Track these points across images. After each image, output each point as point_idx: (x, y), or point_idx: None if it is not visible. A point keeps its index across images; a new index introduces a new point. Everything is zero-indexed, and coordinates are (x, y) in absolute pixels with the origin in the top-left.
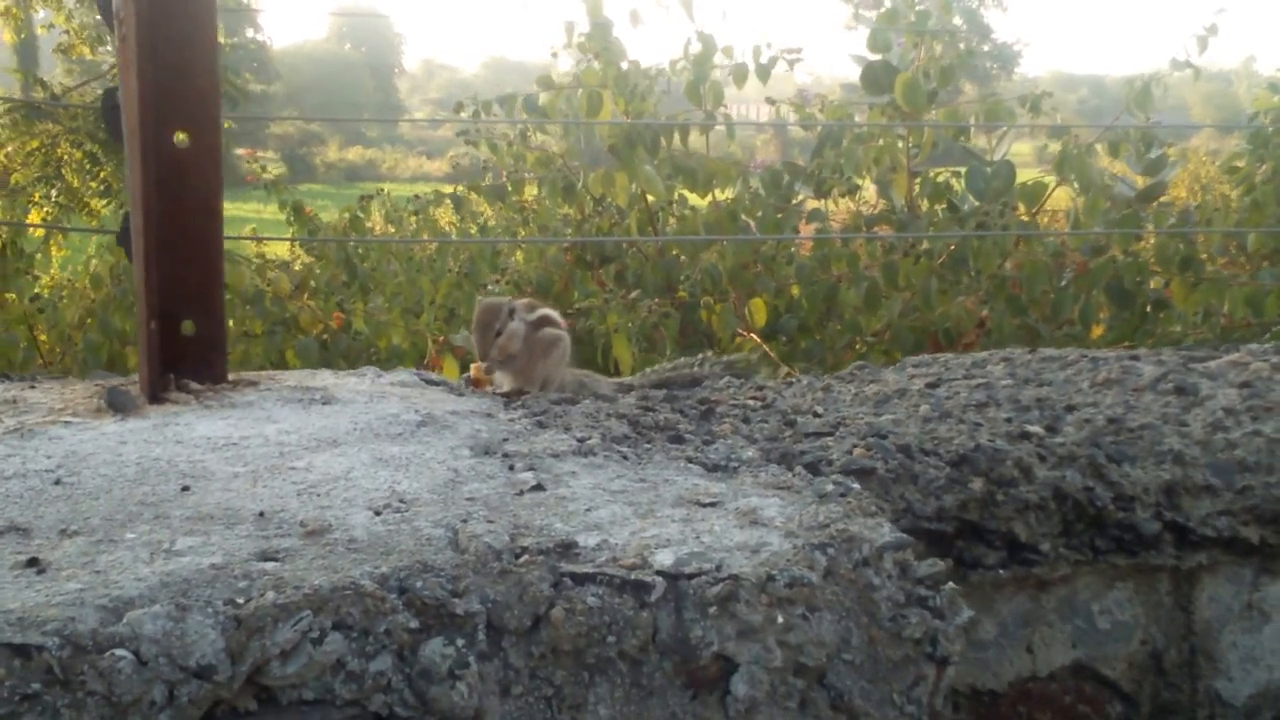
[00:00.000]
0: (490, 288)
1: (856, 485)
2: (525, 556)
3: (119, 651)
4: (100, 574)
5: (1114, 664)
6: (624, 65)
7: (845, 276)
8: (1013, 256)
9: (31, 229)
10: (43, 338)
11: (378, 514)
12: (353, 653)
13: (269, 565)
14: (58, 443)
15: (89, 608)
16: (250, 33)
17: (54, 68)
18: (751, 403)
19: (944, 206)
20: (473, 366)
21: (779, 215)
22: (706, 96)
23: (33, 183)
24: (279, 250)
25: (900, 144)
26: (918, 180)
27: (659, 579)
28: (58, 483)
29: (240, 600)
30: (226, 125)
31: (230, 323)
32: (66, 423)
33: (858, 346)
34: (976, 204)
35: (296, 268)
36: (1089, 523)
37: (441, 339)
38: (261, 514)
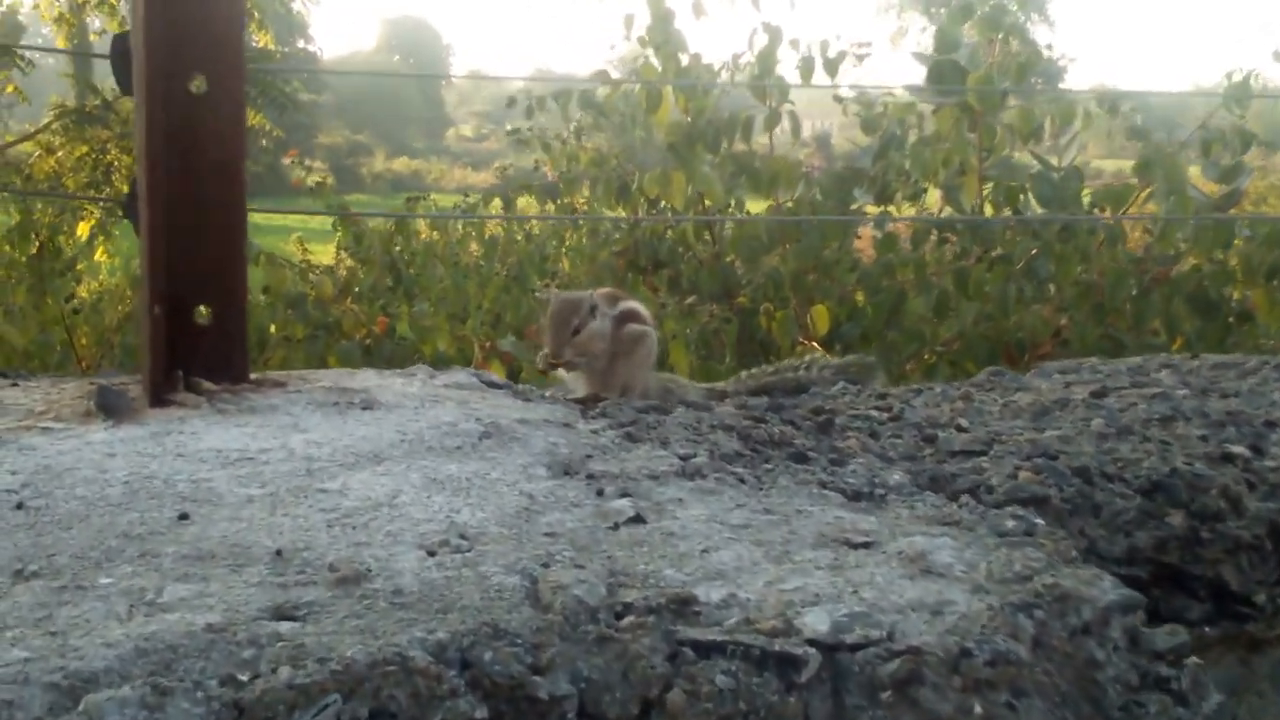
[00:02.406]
0: (538, 295)
1: (1041, 520)
2: (630, 617)
3: None
4: (58, 636)
5: None
6: (684, 60)
7: (912, 283)
8: (1094, 263)
9: (64, 224)
10: (83, 341)
11: (431, 554)
12: None
13: (285, 626)
14: (28, 455)
15: (34, 686)
16: (301, 43)
17: (107, 75)
18: (876, 413)
19: (1011, 212)
20: (542, 363)
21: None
22: (771, 92)
23: (83, 187)
24: (322, 255)
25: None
26: (987, 185)
27: (811, 651)
28: (19, 507)
29: (243, 677)
30: (276, 132)
31: (272, 327)
32: (45, 429)
33: (926, 357)
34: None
35: (340, 272)
36: None
37: (489, 344)
38: (279, 552)
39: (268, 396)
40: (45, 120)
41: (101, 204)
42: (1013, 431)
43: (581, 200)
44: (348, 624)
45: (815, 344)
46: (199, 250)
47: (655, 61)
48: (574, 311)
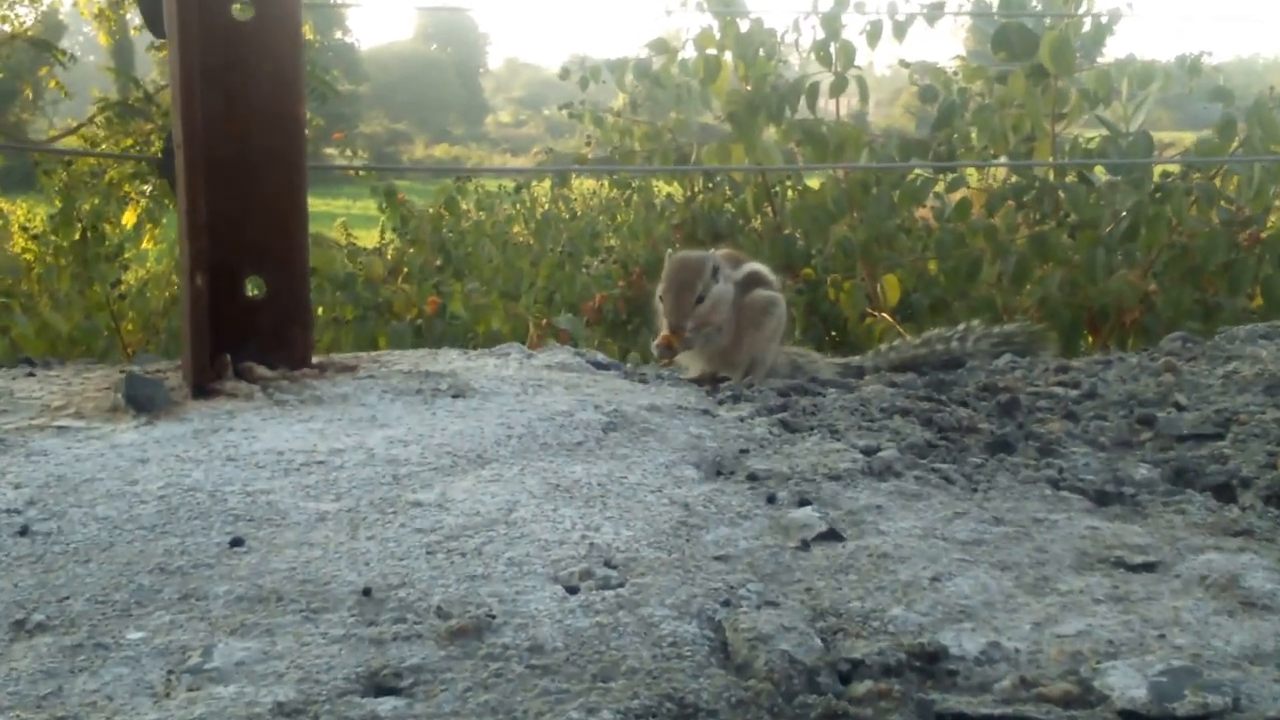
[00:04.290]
0: (587, 270)
1: None
2: (865, 682)
3: None
4: None
5: None
6: (744, 26)
7: (985, 251)
8: (1185, 225)
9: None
10: (129, 327)
11: (572, 591)
12: None
13: (386, 706)
14: (37, 463)
15: None
16: (339, 34)
17: (149, 69)
18: (1061, 390)
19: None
20: (661, 334)
21: (917, 184)
22: (837, 57)
23: (128, 179)
24: (367, 241)
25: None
26: (1063, 150)
27: None
28: (24, 532)
29: None
30: (316, 121)
31: (319, 309)
32: (61, 428)
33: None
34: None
35: (389, 254)
36: None
37: (545, 322)
38: (367, 591)
39: (336, 384)
40: (90, 114)
41: (147, 166)
42: (1248, 409)
43: (636, 176)
44: (472, 700)
45: (885, 315)
46: (249, 210)
47: (714, 28)
48: (697, 274)
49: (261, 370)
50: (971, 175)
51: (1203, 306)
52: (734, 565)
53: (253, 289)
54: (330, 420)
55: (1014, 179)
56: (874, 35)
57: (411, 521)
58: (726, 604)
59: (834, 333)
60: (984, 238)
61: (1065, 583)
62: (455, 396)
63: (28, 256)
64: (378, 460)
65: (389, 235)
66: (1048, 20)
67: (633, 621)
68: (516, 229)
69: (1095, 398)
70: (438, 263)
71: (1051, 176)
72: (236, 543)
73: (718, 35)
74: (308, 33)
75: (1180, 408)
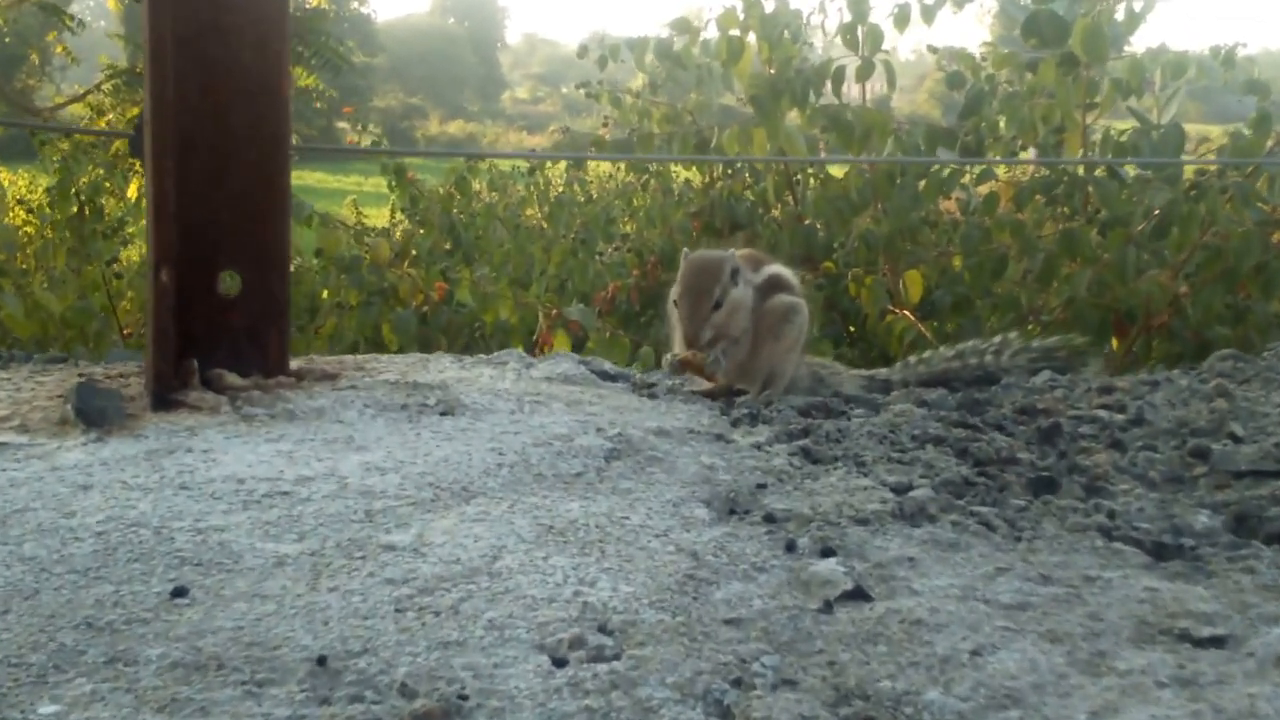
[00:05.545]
0: (600, 258)
1: None
2: None
3: None
4: None
5: None
6: (769, 6)
7: (1012, 247)
8: (1219, 224)
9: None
10: (127, 307)
11: (560, 664)
12: None
13: None
14: None
15: None
16: (355, 4)
17: None
18: (1105, 413)
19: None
20: (680, 350)
21: (944, 174)
22: (865, 40)
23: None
24: (377, 220)
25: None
26: (1093, 142)
27: None
28: None
29: None
30: (329, 93)
31: (324, 293)
32: (0, 445)
33: (1029, 327)
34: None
35: (397, 235)
36: None
37: (555, 311)
38: (322, 660)
39: (312, 396)
40: (97, 81)
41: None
42: None
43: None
44: None
45: (906, 312)
46: (223, 195)
47: (738, 8)
48: (715, 278)
49: (232, 378)
50: (1000, 167)
51: (1233, 310)
52: (747, 631)
53: (228, 285)
54: (301, 440)
55: (1043, 172)
56: (902, 19)
57: (382, 570)
58: (737, 683)
59: (853, 328)
60: (1010, 233)
61: (1124, 659)
62: (443, 414)
63: (29, 230)
64: (350, 491)
65: (399, 215)
66: (1080, 7)
67: (628, 706)
68: (530, 211)
69: (1143, 424)
70: (446, 246)
71: (1082, 171)
72: (179, 593)
73: (741, 15)
74: (324, 2)
75: (1236, 439)
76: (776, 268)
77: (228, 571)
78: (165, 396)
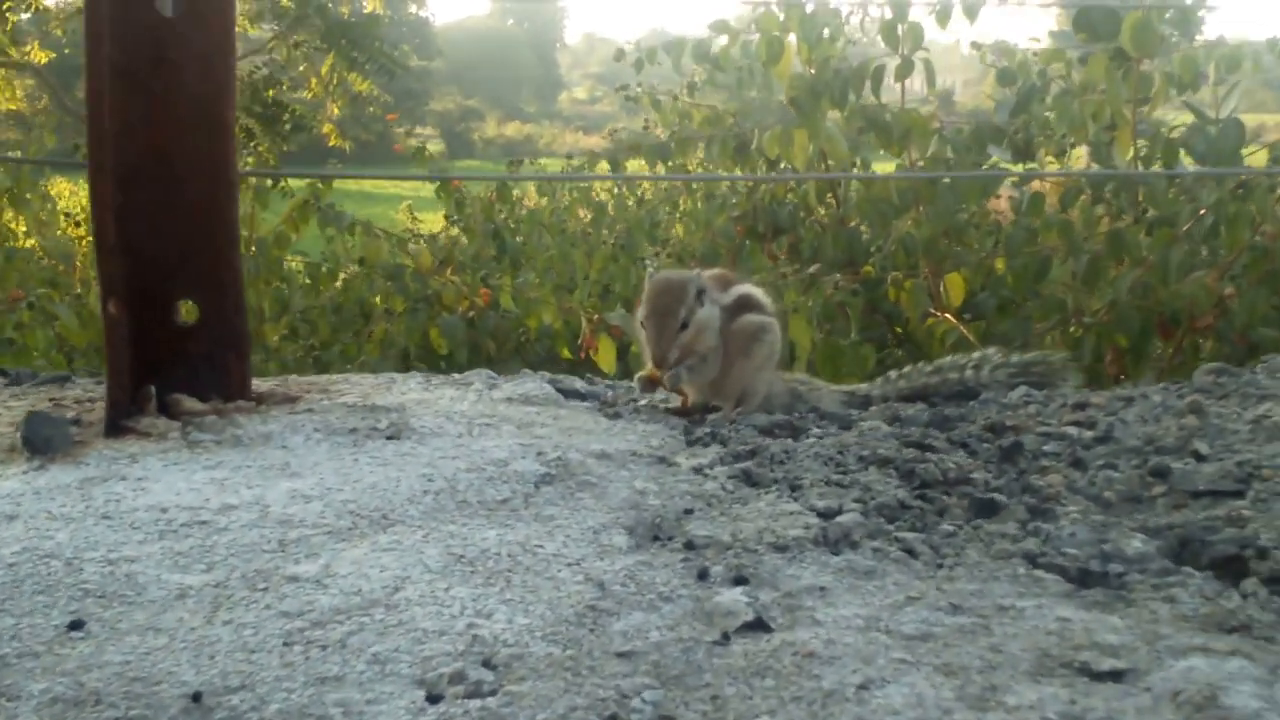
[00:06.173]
0: (648, 263)
1: None
2: None
3: None
4: None
5: None
6: (809, 7)
7: (1058, 249)
8: (1270, 224)
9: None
10: None
11: (435, 700)
12: None
13: None
14: None
15: None
16: (413, 8)
17: None
18: (1075, 430)
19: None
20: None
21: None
22: (905, 38)
23: None
24: (434, 224)
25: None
26: (1141, 141)
27: None
28: None
29: None
30: (380, 97)
31: (377, 299)
32: None
33: (1073, 330)
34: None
35: (441, 241)
36: None
37: (597, 317)
38: (197, 696)
39: (265, 421)
40: None
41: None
42: (1274, 462)
43: (695, 163)
44: None
45: (948, 315)
46: (171, 226)
47: (777, 9)
48: (679, 299)
49: (190, 403)
50: (1052, 166)
51: (1279, 313)
52: (636, 664)
53: (185, 314)
54: (238, 468)
55: (1094, 169)
56: (943, 15)
57: (280, 602)
58: (612, 719)
59: (898, 329)
60: (1058, 234)
61: (1015, 694)
62: (390, 438)
63: (81, 235)
64: (269, 520)
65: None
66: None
67: None
68: (581, 213)
69: (1109, 441)
70: (491, 252)
71: (1139, 166)
72: (76, 625)
73: (781, 18)
74: (376, 6)
75: (1200, 457)
76: (747, 287)
77: (129, 604)
78: (118, 423)
